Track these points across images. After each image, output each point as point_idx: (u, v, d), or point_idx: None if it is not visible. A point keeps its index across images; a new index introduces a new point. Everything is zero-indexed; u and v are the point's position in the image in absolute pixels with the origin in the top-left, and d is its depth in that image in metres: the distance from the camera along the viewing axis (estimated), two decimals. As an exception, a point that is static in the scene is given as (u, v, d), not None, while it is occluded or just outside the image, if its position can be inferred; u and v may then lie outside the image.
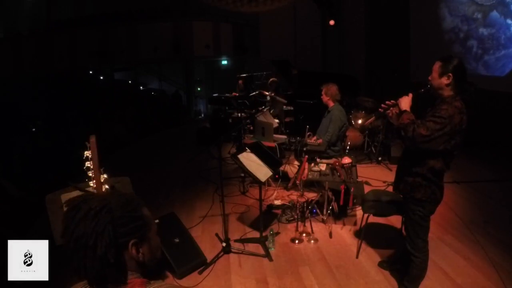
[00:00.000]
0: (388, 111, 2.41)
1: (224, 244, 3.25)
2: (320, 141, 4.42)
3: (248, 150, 3.39)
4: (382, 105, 2.42)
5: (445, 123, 2.11)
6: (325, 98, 4.47)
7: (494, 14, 5.71)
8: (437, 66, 2.24)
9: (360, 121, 5.59)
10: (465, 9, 6.26)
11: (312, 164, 3.78)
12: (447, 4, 6.70)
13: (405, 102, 2.28)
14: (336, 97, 4.45)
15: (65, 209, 0.92)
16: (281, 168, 4.57)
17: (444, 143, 2.14)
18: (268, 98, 6.19)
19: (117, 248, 0.88)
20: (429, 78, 2.30)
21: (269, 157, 3.42)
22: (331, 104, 4.47)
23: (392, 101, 2.38)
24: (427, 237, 2.47)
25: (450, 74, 2.18)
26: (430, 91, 2.30)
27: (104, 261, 0.86)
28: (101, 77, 14.18)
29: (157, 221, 3.09)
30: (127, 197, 0.95)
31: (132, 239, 0.90)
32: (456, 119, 2.12)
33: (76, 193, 2.10)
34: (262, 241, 3.33)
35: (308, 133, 4.53)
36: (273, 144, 4.64)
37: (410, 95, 2.31)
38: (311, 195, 4.28)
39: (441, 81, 2.22)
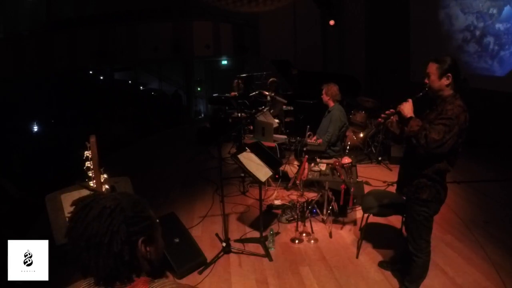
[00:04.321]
0: (389, 120, 2.40)
1: (224, 244, 3.25)
2: (320, 141, 4.43)
3: (248, 150, 3.39)
4: (382, 115, 2.40)
5: (454, 123, 2.09)
6: (325, 98, 4.47)
7: (508, 8, 5.68)
8: (433, 68, 2.21)
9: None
10: (480, 6, 6.18)
11: (312, 164, 3.78)
12: (459, 2, 6.61)
13: (408, 109, 2.25)
14: (337, 97, 4.45)
15: (72, 208, 0.92)
16: (281, 168, 4.56)
17: (453, 144, 2.13)
18: (268, 98, 6.19)
19: (130, 245, 0.89)
20: (426, 81, 2.27)
21: (269, 157, 3.42)
22: (331, 104, 4.48)
23: (391, 110, 2.36)
24: (430, 237, 2.46)
25: (449, 74, 2.18)
26: (429, 94, 2.29)
27: (119, 258, 0.87)
28: (101, 77, 14.17)
29: (157, 221, 3.09)
30: (135, 197, 0.98)
31: (142, 237, 0.92)
32: (461, 118, 2.12)
33: (77, 193, 2.10)
34: (262, 241, 3.33)
35: (308, 133, 4.53)
36: (273, 144, 4.63)
37: (410, 100, 2.28)
38: (311, 195, 4.28)
39: (442, 82, 2.21)
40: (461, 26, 6.61)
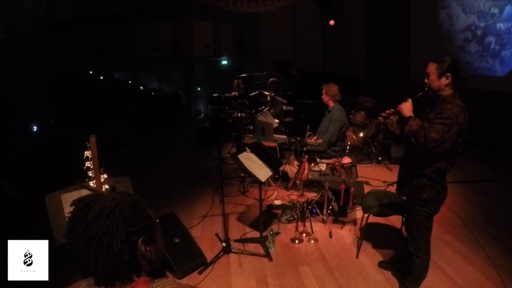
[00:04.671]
0: (388, 120, 2.40)
1: (224, 244, 3.25)
2: (320, 141, 4.43)
3: (248, 150, 3.39)
4: (382, 114, 2.40)
5: (453, 123, 2.09)
6: (325, 98, 4.48)
7: (509, 8, 5.67)
8: (433, 68, 2.22)
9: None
10: (481, 5, 6.17)
11: (312, 164, 3.78)
12: (460, 2, 6.59)
13: (408, 108, 2.25)
14: (337, 97, 4.45)
15: (71, 208, 0.92)
16: (281, 168, 4.57)
17: (452, 144, 2.13)
18: (268, 98, 6.19)
19: (130, 245, 0.89)
20: (426, 81, 2.27)
21: (269, 157, 3.42)
22: (331, 104, 4.48)
23: (391, 109, 2.36)
24: (430, 237, 2.47)
25: (449, 74, 2.18)
26: (429, 94, 2.29)
27: (118, 258, 0.87)
28: (101, 77, 14.17)
29: (157, 221, 3.09)
30: (135, 197, 0.98)
31: (141, 237, 0.92)
32: (461, 118, 2.12)
33: (77, 193, 2.10)
34: (262, 241, 3.33)
35: (308, 133, 4.53)
36: (273, 144, 4.63)
37: (409, 100, 2.29)
38: (311, 195, 4.28)
39: (441, 82, 2.21)
40: (462, 26, 6.60)
